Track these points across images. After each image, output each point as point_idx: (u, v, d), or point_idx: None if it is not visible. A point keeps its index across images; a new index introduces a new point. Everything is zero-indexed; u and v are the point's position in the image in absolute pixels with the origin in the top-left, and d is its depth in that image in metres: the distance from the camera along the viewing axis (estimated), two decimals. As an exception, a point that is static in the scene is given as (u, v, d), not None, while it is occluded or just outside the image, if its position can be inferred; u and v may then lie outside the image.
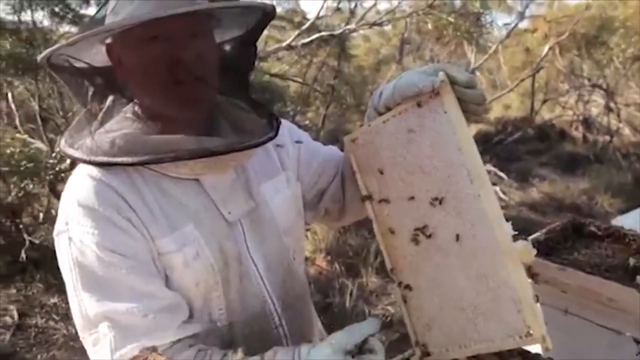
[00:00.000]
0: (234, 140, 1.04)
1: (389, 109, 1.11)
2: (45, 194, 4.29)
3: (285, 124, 1.27)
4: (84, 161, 0.99)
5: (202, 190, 1.06)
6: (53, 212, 4.39)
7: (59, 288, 3.86)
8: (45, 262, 3.98)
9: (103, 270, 0.96)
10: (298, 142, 1.28)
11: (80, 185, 0.99)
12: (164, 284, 1.01)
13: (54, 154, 3.98)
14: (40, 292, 3.93)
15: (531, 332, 0.94)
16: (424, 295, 1.08)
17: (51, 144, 4.71)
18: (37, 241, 4.13)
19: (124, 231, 0.97)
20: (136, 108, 1.05)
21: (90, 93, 1.04)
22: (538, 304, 0.95)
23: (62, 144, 1.03)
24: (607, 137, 8.47)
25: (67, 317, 3.60)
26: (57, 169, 3.83)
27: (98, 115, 1.04)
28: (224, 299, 1.08)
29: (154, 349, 0.73)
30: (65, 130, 1.05)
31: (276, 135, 1.09)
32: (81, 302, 0.97)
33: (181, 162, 0.99)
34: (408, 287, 1.11)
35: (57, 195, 4.27)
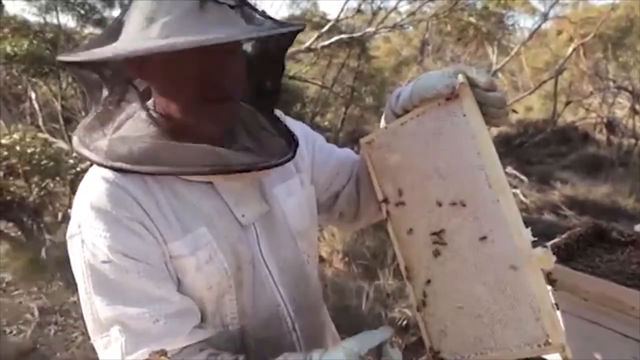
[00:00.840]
0: (254, 159, 1.03)
1: (406, 111, 1.10)
2: (66, 193, 4.36)
3: (299, 125, 1.26)
4: (102, 165, 0.97)
5: (216, 193, 1.05)
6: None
7: (77, 287, 3.92)
8: (65, 260, 4.02)
9: (115, 274, 0.96)
10: (313, 144, 1.27)
11: (94, 187, 0.99)
12: (175, 288, 1.01)
13: (74, 154, 4.05)
14: (60, 291, 4.00)
15: (550, 340, 0.92)
16: (440, 301, 1.06)
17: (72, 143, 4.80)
18: (57, 240, 4.20)
19: (136, 234, 0.97)
20: (153, 112, 1.04)
21: (105, 94, 1.03)
22: (557, 312, 0.93)
23: (76, 143, 1.02)
24: (632, 140, 8.29)
25: (86, 315, 3.65)
26: (77, 168, 3.89)
27: (112, 116, 1.03)
28: (236, 303, 1.08)
29: (163, 353, 0.72)
30: (77, 128, 1.04)
31: (294, 156, 1.08)
32: (92, 305, 0.97)
33: None
34: (423, 292, 1.09)
35: (78, 195, 4.35)
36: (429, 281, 1.08)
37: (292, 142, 1.11)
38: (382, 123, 1.18)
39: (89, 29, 5.89)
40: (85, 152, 0.99)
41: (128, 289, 0.96)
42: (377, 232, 4.58)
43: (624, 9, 7.89)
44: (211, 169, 0.98)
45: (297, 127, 1.23)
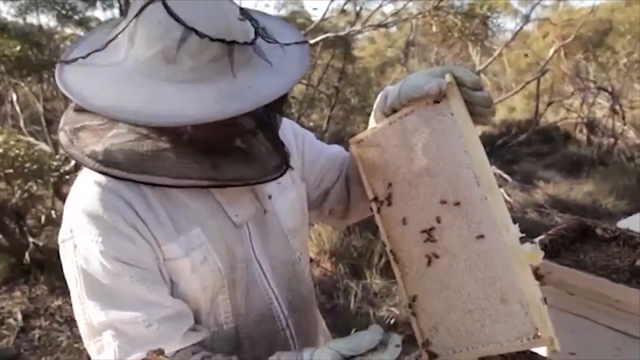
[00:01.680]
0: (249, 174, 1.03)
1: (395, 111, 1.11)
2: (49, 196, 4.30)
3: (288, 123, 1.27)
4: (97, 171, 0.96)
5: (209, 194, 1.05)
6: (57, 214, 4.41)
7: (63, 291, 3.86)
8: (49, 264, 3.98)
9: (107, 279, 0.95)
10: (302, 141, 1.28)
11: (86, 191, 0.98)
12: (169, 292, 1.01)
13: (58, 156, 3.99)
14: (44, 295, 3.94)
15: (539, 334, 0.93)
16: (431, 298, 1.08)
17: (55, 145, 4.73)
18: (41, 243, 4.14)
19: (129, 239, 0.96)
20: None
21: None
22: (545, 306, 0.95)
23: (65, 142, 0.99)
24: (612, 140, 8.44)
25: (71, 319, 3.60)
26: (61, 170, 3.83)
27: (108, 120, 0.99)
28: (230, 302, 1.08)
29: (160, 352, 0.72)
30: (64, 126, 1.00)
31: (286, 171, 1.08)
32: (85, 310, 0.97)
33: None
34: (414, 289, 1.11)
35: (62, 197, 4.28)
36: (420, 278, 1.09)
37: (285, 157, 1.10)
38: (371, 122, 1.19)
39: (71, 29, 5.82)
40: (77, 155, 0.97)
41: (121, 293, 0.96)
42: (364, 231, 4.60)
43: (603, 11, 8.04)
44: (207, 183, 0.98)
45: (286, 124, 1.24)
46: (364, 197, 1.19)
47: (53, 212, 4.34)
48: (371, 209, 1.18)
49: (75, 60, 0.95)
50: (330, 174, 1.30)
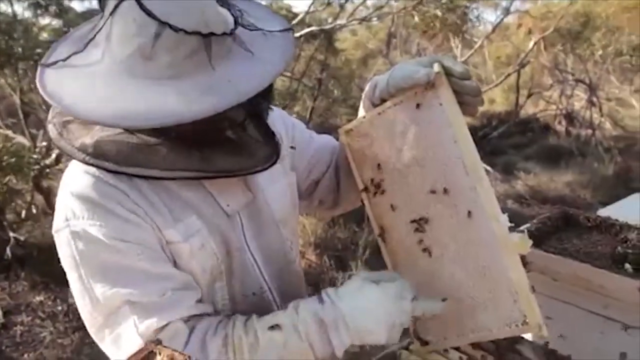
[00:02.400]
0: (240, 165, 1.02)
1: (384, 101, 1.11)
2: (29, 190, 4.22)
3: (278, 112, 1.27)
4: (88, 164, 0.95)
5: (200, 184, 1.05)
6: (38, 208, 4.34)
7: (45, 286, 3.81)
8: (30, 259, 3.92)
9: (113, 258, 0.94)
10: (292, 131, 1.28)
11: (79, 181, 0.97)
12: (174, 268, 1.01)
13: (37, 149, 3.92)
14: (25, 291, 3.87)
15: (527, 320, 0.96)
16: (422, 286, 1.09)
17: (33, 138, 4.64)
18: (22, 238, 4.07)
19: (130, 222, 0.96)
20: None
21: None
22: (533, 294, 0.97)
23: (54, 135, 0.99)
24: (590, 131, 8.60)
25: (53, 315, 3.56)
26: (41, 164, 3.77)
27: None
28: (227, 289, 1.09)
29: (158, 342, 0.72)
30: (53, 119, 1.00)
31: (276, 161, 1.07)
32: (92, 294, 0.95)
33: None
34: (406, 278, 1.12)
35: (42, 191, 4.21)
36: (411, 267, 1.11)
37: (276, 146, 1.09)
38: (360, 112, 1.20)
39: (46, 20, 5.70)
40: (68, 148, 0.96)
41: (129, 270, 0.95)
42: (348, 223, 4.62)
43: (580, 4, 8.15)
44: (198, 175, 0.98)
45: (276, 113, 1.24)
46: (353, 187, 1.20)
47: (33, 206, 4.26)
48: (361, 199, 1.18)
49: (55, 63, 0.95)
50: (320, 163, 1.31)
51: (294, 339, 0.97)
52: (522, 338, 1.09)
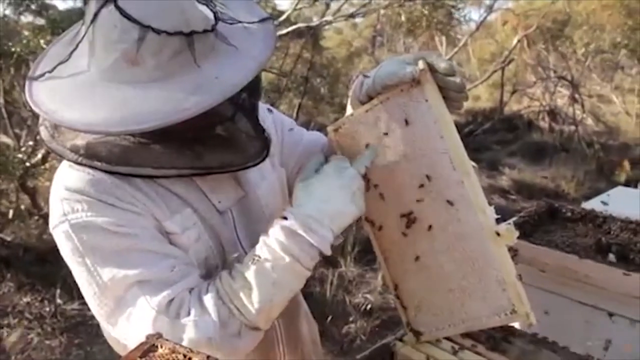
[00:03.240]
0: (230, 161, 1.03)
1: (371, 98, 1.12)
2: (14, 190, 4.17)
3: (268, 109, 1.28)
4: (81, 164, 0.96)
5: (191, 181, 1.06)
6: (23, 208, 4.28)
7: (32, 287, 3.76)
8: (16, 260, 3.87)
9: (120, 243, 0.95)
10: (282, 127, 1.29)
11: (74, 178, 0.98)
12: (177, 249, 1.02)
13: (23, 149, 3.87)
14: (11, 292, 3.82)
15: (516, 309, 0.98)
16: (413, 279, 1.12)
17: (18, 138, 4.58)
18: (8, 238, 4.01)
19: (129, 211, 0.97)
20: None
21: None
22: (520, 283, 0.99)
23: (46, 137, 0.99)
24: (572, 127, 8.72)
25: (40, 316, 3.52)
26: (26, 164, 3.72)
27: None
28: None
29: (159, 335, 0.73)
30: (44, 121, 1.00)
31: (267, 157, 1.08)
32: (100, 282, 0.95)
33: None
34: (398, 271, 1.14)
35: (27, 191, 4.15)
36: (402, 261, 1.13)
37: (266, 142, 1.10)
38: (348, 109, 1.21)
39: (29, 18, 5.61)
40: (59, 149, 0.97)
41: (135, 252, 0.96)
42: (336, 220, 4.63)
43: (562, 3, 8.25)
44: (190, 172, 0.99)
45: (265, 110, 1.25)
46: None
47: (19, 206, 4.20)
48: None
49: (42, 75, 0.95)
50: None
51: (277, 260, 0.97)
52: (515, 330, 1.12)
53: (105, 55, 0.90)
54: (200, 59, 0.91)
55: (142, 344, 0.71)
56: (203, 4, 0.95)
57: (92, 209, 0.95)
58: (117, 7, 0.87)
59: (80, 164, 0.95)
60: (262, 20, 1.02)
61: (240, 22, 0.99)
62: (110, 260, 0.95)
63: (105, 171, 0.96)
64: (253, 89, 1.00)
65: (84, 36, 0.92)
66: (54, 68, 0.95)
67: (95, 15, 0.89)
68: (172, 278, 0.97)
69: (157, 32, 0.87)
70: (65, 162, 1.02)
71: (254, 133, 1.08)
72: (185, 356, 0.70)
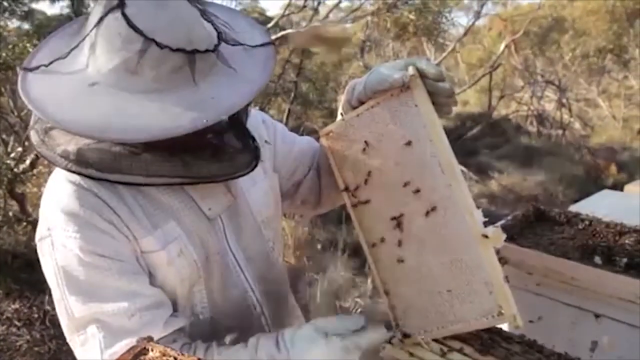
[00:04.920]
0: (220, 171, 1.03)
1: (362, 103, 1.14)
2: (2, 196, 4.13)
3: (260, 115, 1.29)
4: (70, 171, 0.96)
5: (181, 189, 1.06)
6: (11, 214, 4.24)
7: (20, 294, 3.73)
8: (4, 267, 3.84)
9: (88, 273, 0.96)
10: (274, 133, 1.30)
11: (60, 190, 0.98)
12: (148, 282, 1.02)
13: (13, 154, 3.84)
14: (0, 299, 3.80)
15: (503, 311, 0.99)
16: (402, 281, 1.13)
17: (5, 144, 4.54)
18: (-5, 246, 3.98)
19: (106, 233, 0.97)
20: None
21: None
22: (508, 285, 1.01)
23: (37, 142, 0.99)
24: (560, 131, 8.83)
25: (29, 322, 3.48)
26: (15, 170, 3.69)
27: None
28: (206, 293, 1.10)
29: (150, 339, 0.73)
30: (35, 125, 1.00)
31: (256, 165, 1.07)
32: (67, 305, 0.97)
33: None
34: (387, 274, 1.15)
35: (16, 198, 4.12)
36: (391, 264, 1.14)
37: (256, 152, 1.09)
38: (340, 114, 1.23)
39: (15, 23, 5.58)
40: (50, 155, 0.97)
41: (102, 286, 0.96)
42: (327, 225, 4.65)
43: (548, 8, 8.36)
44: (180, 181, 0.99)
45: (257, 116, 1.26)
46: (335, 186, 1.22)
47: (7, 213, 4.16)
48: (347, 200, 1.21)
49: (38, 67, 0.95)
50: (302, 165, 1.33)
51: None
52: (502, 331, 1.13)
53: (106, 59, 0.90)
54: (199, 78, 0.92)
55: (133, 347, 0.72)
56: (209, 22, 0.96)
57: (70, 226, 0.95)
58: (124, 16, 0.87)
59: (70, 170, 0.95)
60: (264, 45, 1.03)
61: (242, 44, 1.00)
62: (76, 288, 0.96)
63: (96, 178, 0.96)
64: (244, 107, 1.01)
65: (85, 37, 0.92)
66: (51, 63, 0.94)
67: (101, 19, 0.90)
68: (130, 326, 0.97)
69: (160, 46, 0.88)
70: (56, 172, 1.03)
71: (244, 142, 1.09)
72: (175, 359, 0.71)
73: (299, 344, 1.00)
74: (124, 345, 0.94)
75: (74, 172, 0.95)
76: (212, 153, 1.03)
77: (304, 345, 0.99)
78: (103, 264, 0.96)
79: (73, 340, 1.00)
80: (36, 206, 4.26)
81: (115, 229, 0.98)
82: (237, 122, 1.04)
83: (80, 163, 0.95)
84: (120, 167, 0.95)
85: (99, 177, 0.95)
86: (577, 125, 9.27)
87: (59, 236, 0.96)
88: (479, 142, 8.81)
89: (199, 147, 1.01)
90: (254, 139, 1.10)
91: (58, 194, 0.98)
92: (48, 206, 0.99)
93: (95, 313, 0.96)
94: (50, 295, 1.02)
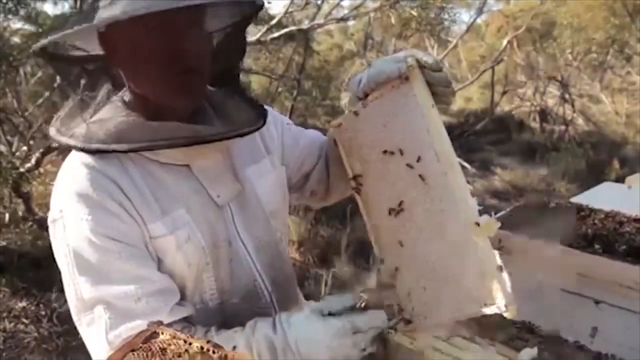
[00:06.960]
0: (225, 129, 1.06)
1: (367, 95, 1.17)
2: (8, 195, 4.17)
3: (268, 109, 1.31)
4: (78, 149, 1.00)
5: (191, 175, 1.09)
6: (18, 214, 4.28)
7: (27, 292, 3.77)
8: (11, 266, 3.87)
9: (97, 255, 0.98)
10: (282, 127, 1.32)
11: (74, 173, 1.01)
12: (156, 268, 1.04)
13: (17, 153, 3.87)
14: (6, 297, 3.82)
15: (497, 300, 0.99)
16: (403, 268, 1.15)
17: (10, 144, 4.58)
18: (3, 244, 4.01)
19: (117, 216, 1.00)
20: (125, 96, 1.06)
21: (82, 81, 1.05)
22: (504, 274, 1.01)
23: (53, 132, 1.04)
24: (563, 127, 8.82)
25: (37, 319, 3.52)
26: (20, 169, 3.73)
27: (89, 103, 1.05)
28: (214, 280, 1.12)
29: (160, 322, 0.75)
30: (53, 122, 1.06)
31: (264, 124, 1.11)
32: (77, 286, 1.00)
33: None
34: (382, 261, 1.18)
35: (21, 196, 4.15)
36: (394, 250, 1.16)
37: (261, 111, 1.13)
38: (347, 107, 1.25)
39: (18, 24, 5.61)
40: (63, 139, 1.02)
41: (110, 269, 0.99)
42: (331, 221, 4.67)
43: (549, 4, 8.34)
44: (185, 141, 1.00)
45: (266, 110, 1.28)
46: (343, 177, 1.25)
47: (12, 212, 4.20)
48: (352, 188, 1.23)
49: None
50: (311, 157, 1.35)
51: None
52: (504, 317, 1.15)
53: None
54: None
55: (143, 331, 0.74)
56: None
57: (83, 208, 0.98)
58: None
59: (79, 148, 1.00)
60: None
61: None
62: (86, 269, 0.99)
63: (102, 151, 0.99)
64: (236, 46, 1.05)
65: None
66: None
67: None
68: (137, 310, 0.99)
69: None
70: (68, 158, 1.06)
71: (246, 102, 1.12)
72: (185, 341, 0.72)
73: (296, 325, 1.02)
74: (129, 327, 0.96)
75: (82, 149, 1.00)
76: (216, 116, 1.07)
77: (300, 326, 1.01)
78: (113, 247, 0.99)
79: (80, 321, 1.02)
80: (42, 205, 4.31)
81: (125, 212, 1.00)
82: (229, 69, 1.08)
83: (88, 140, 0.99)
84: (123, 137, 0.99)
85: (105, 149, 0.99)
86: (580, 120, 9.25)
87: (71, 218, 0.99)
88: (482, 138, 8.80)
89: (202, 115, 1.06)
90: (258, 102, 1.12)
91: (71, 177, 1.01)
92: (61, 189, 1.02)
93: (103, 295, 0.98)
94: (58, 293, 1.05)
